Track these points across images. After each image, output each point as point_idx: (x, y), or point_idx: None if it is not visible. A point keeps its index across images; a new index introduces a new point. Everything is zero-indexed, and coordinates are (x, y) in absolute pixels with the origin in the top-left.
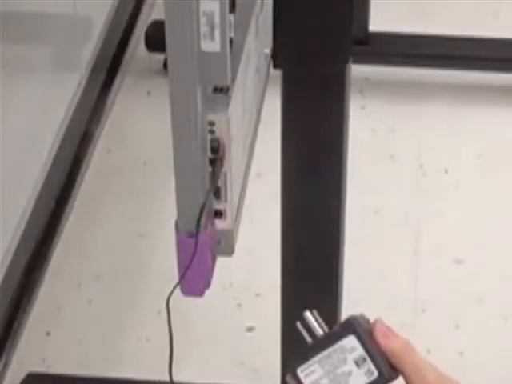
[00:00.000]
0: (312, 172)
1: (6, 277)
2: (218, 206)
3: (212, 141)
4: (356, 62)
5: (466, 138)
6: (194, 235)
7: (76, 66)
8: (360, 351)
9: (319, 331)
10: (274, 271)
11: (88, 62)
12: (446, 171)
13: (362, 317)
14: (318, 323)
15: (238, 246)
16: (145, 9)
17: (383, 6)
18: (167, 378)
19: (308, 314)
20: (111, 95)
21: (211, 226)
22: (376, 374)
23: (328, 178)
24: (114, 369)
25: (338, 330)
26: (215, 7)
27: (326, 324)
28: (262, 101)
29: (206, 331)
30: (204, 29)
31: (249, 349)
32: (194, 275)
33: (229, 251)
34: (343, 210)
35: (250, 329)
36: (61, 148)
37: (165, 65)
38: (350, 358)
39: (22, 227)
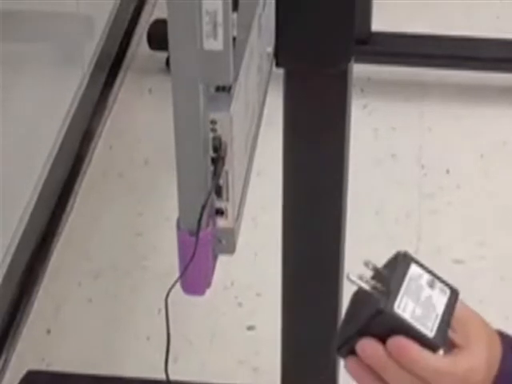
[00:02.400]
0: (313, 171)
1: (7, 275)
2: (220, 204)
3: (214, 139)
4: (358, 61)
5: (468, 139)
6: (195, 233)
7: (78, 63)
8: (426, 276)
9: (381, 272)
10: (275, 271)
11: (90, 59)
12: (448, 171)
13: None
14: (374, 268)
15: (238, 245)
16: (147, 7)
17: (386, 5)
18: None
19: (368, 262)
20: (113, 93)
21: (212, 225)
22: (448, 290)
23: (330, 177)
24: (114, 367)
25: (398, 265)
26: (218, 6)
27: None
28: (264, 99)
29: (207, 330)
30: (207, 27)
31: (249, 348)
32: (195, 274)
33: (230, 250)
34: (344, 209)
35: (250, 328)
36: (63, 145)
37: (167, 63)
38: (423, 283)
39: (23, 225)
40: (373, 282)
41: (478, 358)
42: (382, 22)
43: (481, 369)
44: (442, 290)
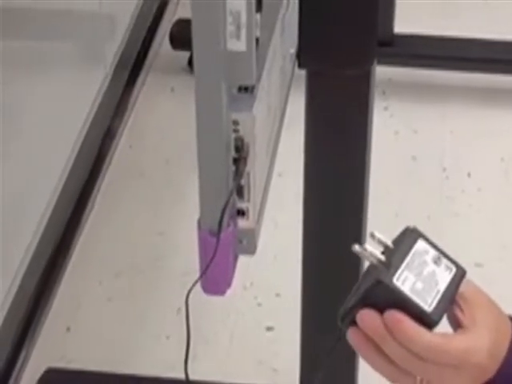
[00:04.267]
0: (335, 172)
1: (27, 272)
2: (241, 204)
3: (236, 140)
4: (380, 63)
5: (489, 142)
6: (217, 234)
7: (101, 62)
8: (433, 252)
9: (386, 245)
10: (295, 271)
11: (112, 59)
12: (469, 174)
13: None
14: (380, 240)
15: (258, 245)
16: (170, 7)
17: (408, 7)
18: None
19: (375, 233)
20: (135, 92)
21: (233, 225)
22: (454, 268)
23: (351, 178)
24: (133, 365)
25: (405, 239)
26: (242, 6)
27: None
28: (286, 100)
29: (226, 330)
30: (230, 28)
31: (268, 348)
32: (215, 274)
33: (251, 250)
34: (365, 211)
35: (269, 328)
36: (84, 144)
37: (189, 62)
38: (428, 259)
39: (44, 223)
40: (377, 255)
41: (479, 340)
42: (404, 23)
43: (481, 351)
44: (447, 267)
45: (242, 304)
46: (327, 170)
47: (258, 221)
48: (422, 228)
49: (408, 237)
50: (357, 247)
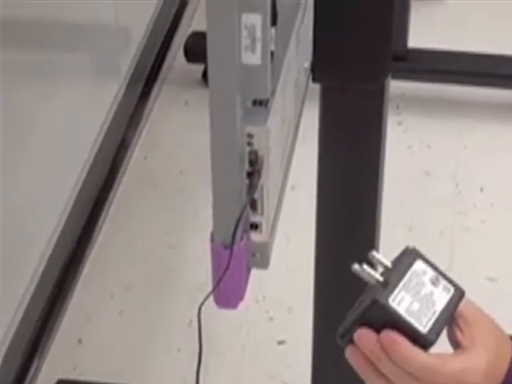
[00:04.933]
0: (348, 186)
1: (40, 284)
2: (254, 218)
3: (250, 153)
4: (394, 77)
5: (503, 157)
6: (230, 247)
7: (115, 74)
8: (431, 272)
9: (385, 265)
10: (307, 286)
11: (127, 71)
12: (482, 189)
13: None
14: (379, 260)
15: (271, 259)
16: (184, 19)
17: (422, 22)
18: None
19: (374, 253)
20: (149, 104)
21: (247, 239)
22: (452, 289)
23: (364, 192)
24: (144, 378)
25: (404, 259)
26: (257, 20)
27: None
28: (300, 114)
29: (237, 343)
30: (245, 41)
31: (280, 362)
32: (228, 287)
33: (264, 264)
34: (378, 225)
35: (281, 342)
36: (98, 155)
37: (203, 75)
38: (426, 279)
39: (57, 234)
40: (375, 275)
41: (476, 360)
42: (418, 38)
43: (477, 372)
44: (445, 288)
45: (254, 317)
46: (340, 184)
47: (272, 234)
48: (434, 243)
49: (406, 257)
50: (356, 267)
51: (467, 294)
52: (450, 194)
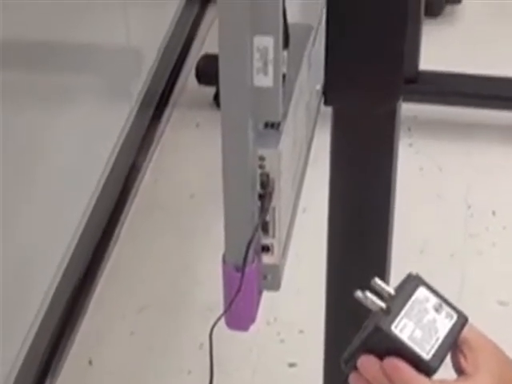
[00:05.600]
0: (359, 208)
1: (51, 305)
2: (266, 240)
3: (262, 175)
4: (405, 100)
5: None
6: (241, 269)
7: (126, 97)
8: (434, 299)
9: (388, 292)
10: (319, 308)
11: (139, 93)
12: (494, 213)
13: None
14: (382, 288)
15: (283, 281)
16: (196, 42)
17: (433, 45)
18: None
19: (376, 281)
20: (160, 127)
21: (258, 261)
22: (455, 315)
23: (375, 214)
24: None
25: (406, 286)
26: (269, 43)
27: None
28: (311, 136)
29: (248, 365)
30: (257, 64)
31: None
32: (239, 309)
33: (275, 286)
34: (389, 247)
35: (292, 365)
36: (109, 178)
37: (215, 97)
38: (429, 306)
39: (68, 256)
40: (378, 302)
41: None
42: (429, 61)
43: None
44: (448, 315)
45: (265, 340)
46: (352, 206)
47: (283, 257)
48: (445, 266)
49: (409, 284)
50: (358, 294)
51: (478, 318)
52: (462, 217)
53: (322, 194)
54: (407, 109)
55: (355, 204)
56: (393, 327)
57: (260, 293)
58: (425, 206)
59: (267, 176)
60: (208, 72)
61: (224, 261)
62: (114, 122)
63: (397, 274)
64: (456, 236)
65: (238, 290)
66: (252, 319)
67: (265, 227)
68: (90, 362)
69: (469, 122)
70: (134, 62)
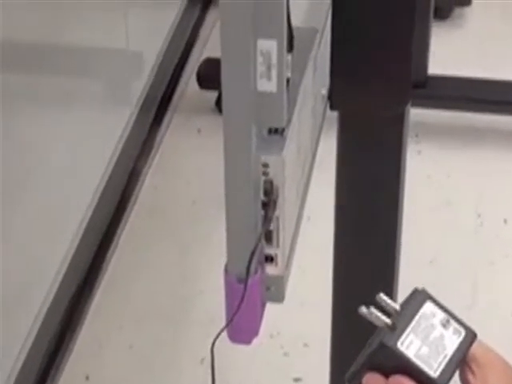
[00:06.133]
0: (366, 218)
1: (47, 316)
2: (270, 250)
3: (265, 183)
4: (413, 105)
5: None
6: (244, 280)
7: (126, 101)
8: (441, 314)
9: (393, 308)
10: (324, 321)
11: (138, 97)
12: (505, 221)
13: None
14: (387, 303)
15: (287, 293)
16: (197, 45)
17: (442, 48)
18: None
19: (381, 296)
20: (161, 132)
21: (261, 272)
22: (463, 331)
23: (383, 224)
24: None
25: (412, 301)
26: (273, 46)
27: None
28: (317, 142)
29: (251, 380)
30: (261, 68)
31: None
32: (242, 321)
33: (279, 298)
34: (397, 258)
35: (296, 380)
36: (108, 184)
37: (217, 102)
38: (436, 322)
39: (66, 264)
40: (383, 318)
41: None
42: (438, 65)
43: None
44: (456, 331)
45: (269, 353)
46: (358, 215)
47: (287, 267)
48: (456, 276)
49: (415, 299)
50: (363, 310)
51: (490, 330)
52: (472, 226)
53: (328, 201)
54: (415, 114)
55: (362, 213)
56: (399, 344)
57: (263, 305)
58: (434, 214)
59: (271, 183)
60: (210, 76)
61: (226, 271)
62: (113, 127)
63: (405, 287)
64: (466, 246)
65: (241, 302)
66: (255, 332)
67: (268, 236)
68: (87, 378)
69: (479, 128)
70: (133, 66)
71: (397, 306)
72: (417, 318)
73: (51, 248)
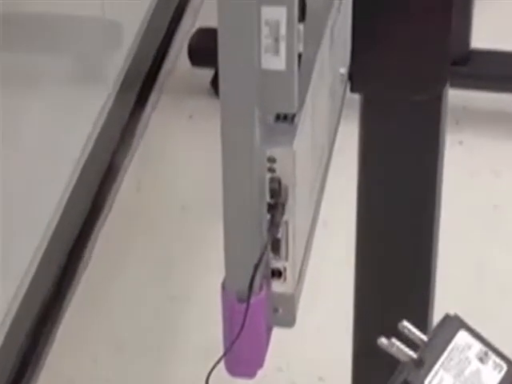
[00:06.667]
0: (396, 223)
1: (5, 343)
2: (277, 263)
3: (272, 181)
4: (453, 86)
5: None
6: (246, 300)
7: (102, 81)
8: (478, 345)
9: (420, 338)
10: (343, 351)
11: (116, 76)
12: None
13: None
14: (412, 332)
15: (298, 316)
16: (188, 13)
17: (488, 17)
18: None
19: (405, 324)
20: (143, 119)
21: (267, 289)
22: (505, 366)
23: (417, 231)
24: None
25: (443, 330)
26: (281, 15)
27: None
28: (335, 132)
29: None
30: (266, 41)
31: None
32: (243, 350)
33: (289, 321)
34: (433, 271)
35: None
36: (79, 184)
37: (212, 83)
38: (471, 355)
39: (28, 281)
40: (406, 351)
41: None
42: (483, 37)
43: None
44: (496, 365)
45: None
46: (386, 220)
47: (298, 284)
48: (504, 297)
49: (447, 327)
50: (383, 341)
51: None
52: None
53: (348, 204)
54: (456, 97)
55: (391, 218)
56: (426, 382)
57: (269, 330)
58: (477, 219)
59: (279, 182)
60: (203, 50)
61: (224, 288)
62: (85, 113)
63: (445, 302)
64: None
65: (242, 327)
66: (259, 363)
67: (275, 246)
68: None
69: None
70: (111, 38)
71: (423, 336)
72: (448, 350)
73: (9, 263)
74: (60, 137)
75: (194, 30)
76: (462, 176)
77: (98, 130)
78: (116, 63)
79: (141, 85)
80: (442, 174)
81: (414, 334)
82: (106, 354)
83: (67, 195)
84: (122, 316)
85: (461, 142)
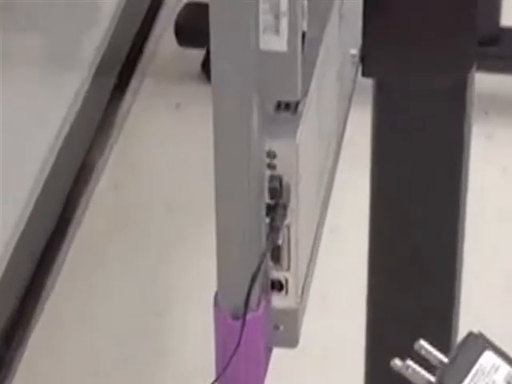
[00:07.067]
0: (414, 228)
1: None
2: (278, 274)
3: (272, 179)
4: (481, 69)
5: None
6: (241, 316)
7: (76, 63)
8: (505, 367)
9: (439, 359)
10: (354, 374)
11: (93, 58)
12: None
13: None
14: (430, 353)
15: (302, 334)
16: None
17: None
18: None
19: (422, 343)
20: (123, 107)
21: (266, 304)
22: None
23: (437, 236)
24: None
25: (466, 350)
26: None
27: None
28: (344, 121)
29: None
30: (265, 18)
31: None
32: (238, 374)
33: (291, 341)
34: (459, 282)
35: None
36: (49, 181)
37: (203, 66)
38: (499, 379)
39: None
40: (424, 374)
41: None
42: None
43: None
44: None
45: None
46: (403, 224)
47: (302, 298)
48: None
49: (471, 347)
50: (397, 363)
51: None
52: None
53: (359, 207)
54: (484, 82)
55: (408, 221)
56: None
57: (269, 350)
58: (509, 225)
59: (279, 180)
60: (193, 29)
61: (216, 303)
62: (58, 99)
63: (472, 317)
64: None
65: (237, 347)
66: None
67: (276, 254)
68: None
69: None
70: (86, 14)
71: (443, 358)
72: (472, 373)
73: None
74: (29, 126)
75: (181, 4)
76: (492, 173)
77: (71, 118)
78: (92, 44)
79: (120, 68)
80: (467, 172)
81: (432, 354)
82: (83, 379)
83: (36, 194)
84: (101, 336)
85: (490, 135)
